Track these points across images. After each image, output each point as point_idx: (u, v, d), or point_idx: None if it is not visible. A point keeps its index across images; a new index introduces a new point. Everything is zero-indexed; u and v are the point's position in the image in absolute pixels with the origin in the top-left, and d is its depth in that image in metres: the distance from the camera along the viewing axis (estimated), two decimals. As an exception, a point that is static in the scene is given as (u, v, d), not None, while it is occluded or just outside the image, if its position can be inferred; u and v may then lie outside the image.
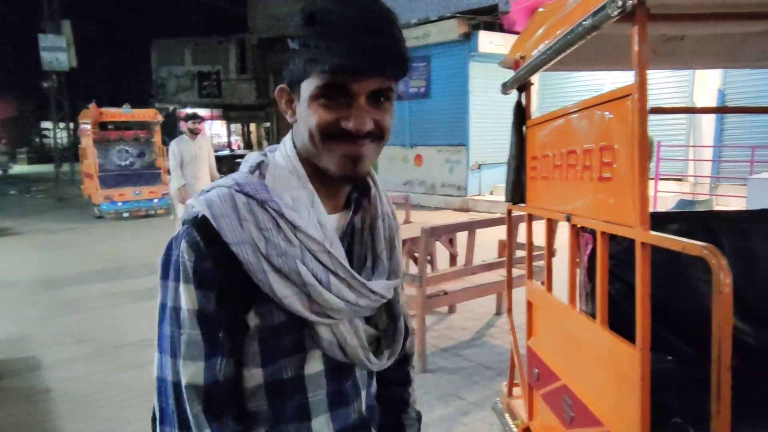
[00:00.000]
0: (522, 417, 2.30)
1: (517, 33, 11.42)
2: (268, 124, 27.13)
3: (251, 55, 25.35)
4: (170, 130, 17.78)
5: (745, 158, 9.07)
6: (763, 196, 6.72)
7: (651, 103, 1.35)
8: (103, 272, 6.94)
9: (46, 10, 19.49)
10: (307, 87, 0.82)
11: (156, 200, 11.86)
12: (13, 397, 3.60)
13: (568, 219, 1.69)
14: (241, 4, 25.12)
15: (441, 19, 12.13)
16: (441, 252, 5.46)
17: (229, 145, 28.91)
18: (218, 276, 0.81)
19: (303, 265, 0.83)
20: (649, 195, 1.23)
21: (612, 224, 1.40)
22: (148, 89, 28.32)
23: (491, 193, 12.40)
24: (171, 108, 27.08)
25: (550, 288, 1.99)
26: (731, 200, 8.68)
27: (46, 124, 37.46)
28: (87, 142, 12.13)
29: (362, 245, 0.95)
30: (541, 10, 2.04)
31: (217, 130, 30.05)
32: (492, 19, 11.97)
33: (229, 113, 28.53)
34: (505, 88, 2.27)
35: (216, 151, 10.86)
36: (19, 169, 29.88)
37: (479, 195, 12.34)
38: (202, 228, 0.81)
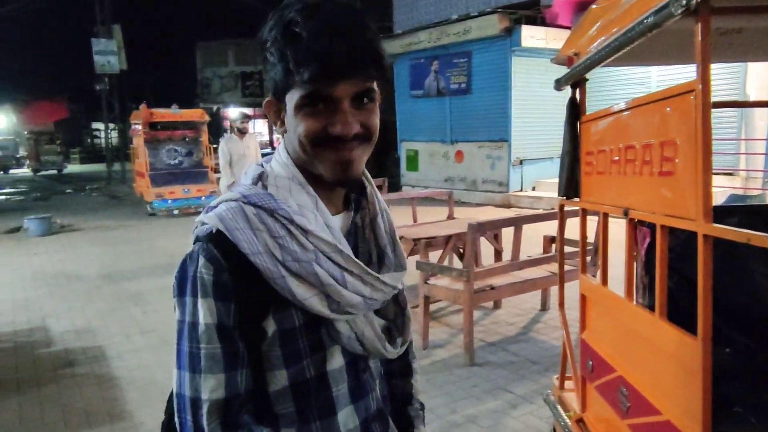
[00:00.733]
0: (575, 409, 2.33)
1: (559, 27, 11.29)
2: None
3: (292, 54, 25.68)
4: (214, 130, 18.24)
5: (802, 151, 8.69)
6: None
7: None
8: (160, 267, 7.23)
9: (98, 15, 20.29)
10: (291, 98, 0.85)
11: (204, 198, 12.16)
12: (86, 383, 3.84)
13: (626, 213, 1.72)
14: (280, 3, 25.52)
15: (482, 14, 12.03)
16: (485, 248, 5.49)
17: (270, 143, 29.44)
18: (236, 287, 0.83)
19: (319, 266, 0.85)
20: (707, 188, 1.25)
21: (673, 218, 1.42)
22: (193, 90, 29.16)
23: (533, 189, 12.24)
24: (215, 108, 27.78)
25: (605, 281, 2.01)
26: (787, 195, 8.34)
27: (97, 125, 39.01)
28: (138, 142, 12.58)
29: (366, 242, 0.98)
30: (594, 6, 2.06)
31: (259, 129, 30.65)
32: (533, 13, 11.80)
33: (271, 112, 28.97)
34: (559, 84, 2.29)
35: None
36: (72, 168, 31.18)
37: (521, 191, 12.21)
38: (218, 242, 0.84)
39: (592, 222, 2.25)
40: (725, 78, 9.77)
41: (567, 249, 4.24)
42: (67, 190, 19.15)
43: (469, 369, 3.82)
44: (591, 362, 2.14)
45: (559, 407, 2.47)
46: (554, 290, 4.38)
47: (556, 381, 2.68)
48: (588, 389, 2.21)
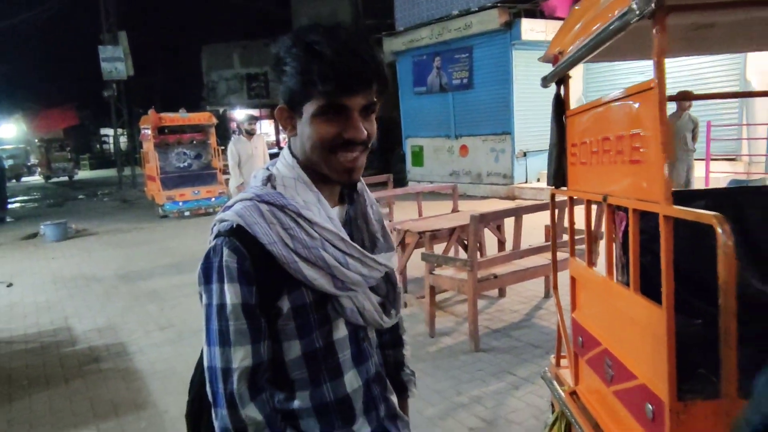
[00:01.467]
0: (569, 383, 2.50)
1: (558, 19, 11.34)
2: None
3: (296, 55, 25.82)
4: (221, 132, 18.46)
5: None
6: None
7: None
8: (174, 266, 7.44)
9: (104, 23, 20.55)
10: (310, 107, 0.99)
11: (213, 199, 12.37)
12: (112, 376, 4.04)
13: (604, 199, 1.88)
14: (285, 5, 25.71)
15: (482, 9, 12.13)
16: (489, 239, 5.64)
17: (277, 143, 29.68)
18: (256, 273, 0.98)
19: (325, 252, 1.01)
20: (665, 174, 1.42)
21: (642, 201, 1.59)
22: (199, 93, 29.41)
23: (538, 180, 12.34)
24: (222, 110, 28.04)
25: (590, 263, 2.18)
26: (789, 178, 8.42)
27: (105, 131, 39.42)
28: (148, 147, 12.77)
29: (359, 230, 1.13)
30: (576, 7, 2.22)
31: (265, 129, 30.88)
32: (533, 7, 11.90)
33: (277, 112, 29.18)
34: (545, 81, 2.45)
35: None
36: (83, 174, 31.52)
37: (525, 183, 12.32)
38: (239, 235, 0.98)
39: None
40: (726, 66, 9.84)
41: (566, 237, 4.40)
42: (80, 196, 19.39)
43: (474, 354, 3.99)
44: (581, 339, 2.30)
45: (555, 383, 2.64)
46: (555, 277, 4.52)
47: (552, 360, 2.85)
48: (580, 364, 2.38)
